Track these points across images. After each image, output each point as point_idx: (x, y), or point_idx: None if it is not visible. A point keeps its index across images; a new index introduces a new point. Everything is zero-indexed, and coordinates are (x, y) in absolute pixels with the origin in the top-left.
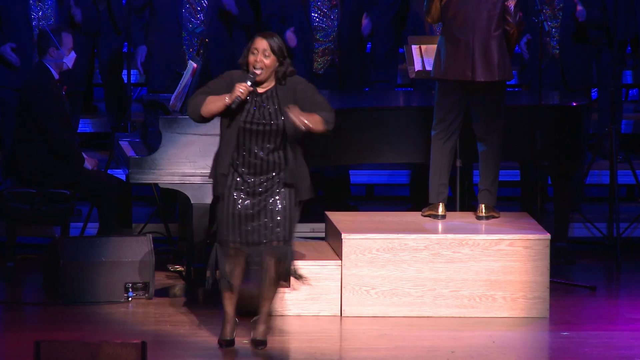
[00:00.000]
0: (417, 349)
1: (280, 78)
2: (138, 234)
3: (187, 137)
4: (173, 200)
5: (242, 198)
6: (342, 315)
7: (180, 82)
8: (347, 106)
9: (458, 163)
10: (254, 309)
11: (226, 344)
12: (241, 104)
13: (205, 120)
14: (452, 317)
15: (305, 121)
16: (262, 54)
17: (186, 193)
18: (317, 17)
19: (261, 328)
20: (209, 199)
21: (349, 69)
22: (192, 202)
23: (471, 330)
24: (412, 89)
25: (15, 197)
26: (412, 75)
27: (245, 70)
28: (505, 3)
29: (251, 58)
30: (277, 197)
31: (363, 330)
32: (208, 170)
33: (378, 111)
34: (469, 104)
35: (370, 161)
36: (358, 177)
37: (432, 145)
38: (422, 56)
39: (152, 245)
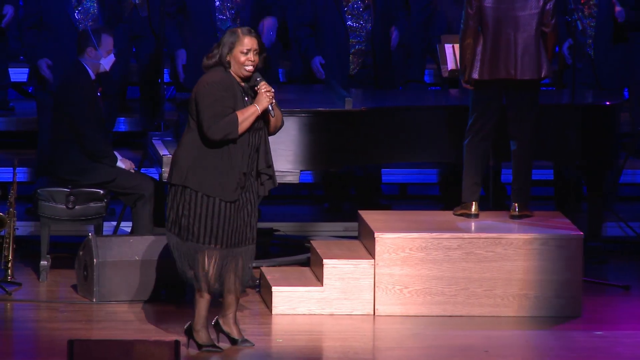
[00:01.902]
0: (450, 348)
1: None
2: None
3: None
4: None
5: (243, 197)
6: (375, 314)
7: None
8: (379, 105)
9: (490, 162)
10: None
11: (212, 346)
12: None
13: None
14: (486, 316)
15: (271, 107)
16: (253, 53)
17: None
18: (350, 18)
19: (236, 328)
20: None
21: (382, 69)
22: None
23: (504, 330)
24: (439, 88)
25: (49, 196)
26: (445, 74)
27: (227, 68)
28: (546, 4)
29: (243, 58)
30: (253, 195)
31: (396, 329)
32: None
33: (410, 110)
34: (504, 103)
35: (402, 160)
36: (391, 176)
37: (467, 144)
38: (455, 55)
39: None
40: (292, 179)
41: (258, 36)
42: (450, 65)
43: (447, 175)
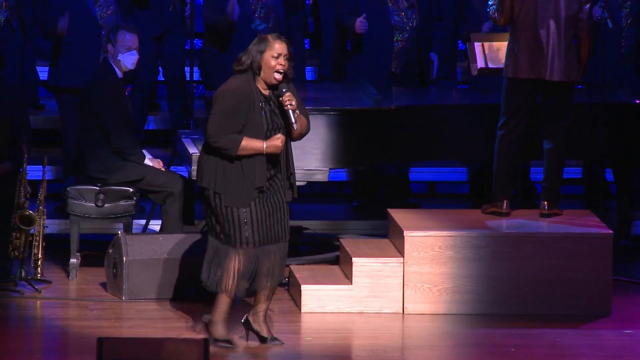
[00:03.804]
0: (479, 347)
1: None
2: (201, 231)
3: None
4: None
5: (272, 199)
6: (404, 312)
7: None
8: (408, 103)
9: (520, 160)
10: None
11: (227, 342)
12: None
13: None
14: (515, 314)
15: (297, 112)
16: (283, 57)
17: None
18: (394, 16)
19: (266, 327)
20: None
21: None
22: None
23: (533, 328)
24: (466, 86)
25: (78, 194)
26: (475, 73)
27: (257, 74)
28: (581, 7)
29: (273, 62)
30: (281, 196)
31: (425, 327)
32: None
33: (440, 108)
34: (538, 102)
35: (432, 159)
36: (420, 174)
37: (498, 142)
38: (485, 54)
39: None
40: (322, 177)
41: (288, 42)
42: (480, 63)
43: (477, 173)
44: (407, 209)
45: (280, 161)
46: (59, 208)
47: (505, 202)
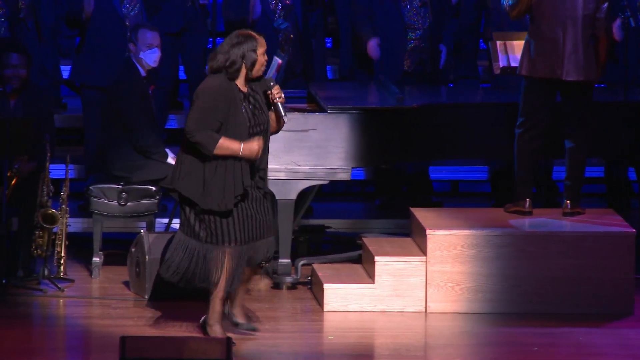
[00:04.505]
0: (502, 346)
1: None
2: None
3: None
4: None
5: (251, 196)
6: (427, 311)
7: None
8: (429, 102)
9: (542, 159)
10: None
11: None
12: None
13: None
14: (537, 313)
15: (284, 111)
16: (265, 53)
17: (270, 189)
18: (407, 15)
19: (244, 317)
20: (293, 195)
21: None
22: (276, 197)
23: (556, 327)
24: (489, 85)
25: (101, 192)
26: (497, 72)
27: (248, 70)
28: (599, 6)
29: (262, 58)
30: (261, 193)
31: (448, 326)
32: (292, 166)
33: (462, 107)
34: (558, 101)
35: (454, 158)
36: (442, 173)
37: (518, 141)
38: (507, 52)
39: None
40: (344, 176)
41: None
42: (502, 62)
43: (498, 172)
44: (430, 208)
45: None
46: (81, 207)
47: (527, 201)
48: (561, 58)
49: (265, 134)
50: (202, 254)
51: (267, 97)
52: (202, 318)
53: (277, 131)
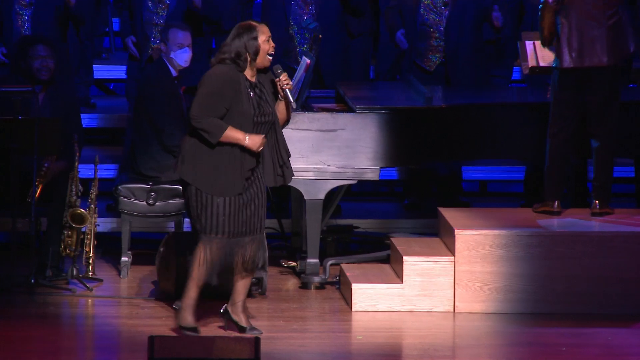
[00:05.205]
0: (530, 346)
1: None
2: None
3: (300, 133)
4: (286, 196)
5: (250, 191)
6: (455, 311)
7: (294, 77)
8: (460, 102)
9: (572, 159)
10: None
11: (191, 330)
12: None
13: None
14: (566, 313)
15: (292, 97)
16: (270, 39)
17: (299, 188)
18: (429, 14)
19: (244, 317)
20: (322, 195)
21: (459, 65)
22: (305, 197)
23: (585, 327)
24: (525, 85)
25: (130, 192)
26: (526, 72)
27: (252, 59)
28: None
29: (266, 45)
30: (260, 187)
31: (476, 326)
32: (321, 166)
33: (491, 107)
34: (585, 100)
35: (482, 158)
36: (471, 173)
37: (549, 141)
38: (537, 52)
39: (266, 241)
40: (372, 176)
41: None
42: (532, 62)
43: (532, 172)
44: (458, 208)
45: (262, 152)
46: (110, 207)
47: (556, 201)
48: (585, 45)
49: (272, 125)
50: (196, 241)
51: (274, 85)
52: (177, 302)
53: (287, 121)
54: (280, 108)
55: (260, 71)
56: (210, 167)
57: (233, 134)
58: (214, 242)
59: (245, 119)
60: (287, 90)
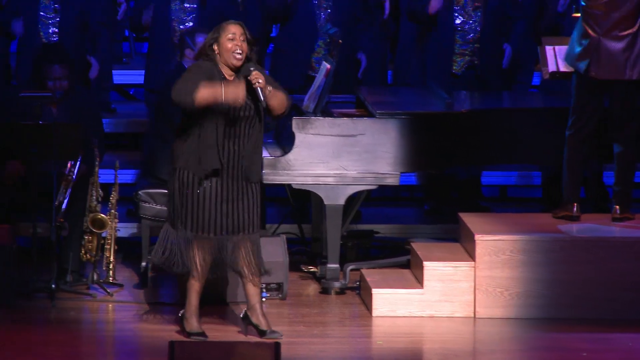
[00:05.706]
0: (551, 351)
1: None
2: (272, 235)
3: (320, 138)
4: (306, 201)
5: (219, 185)
6: (476, 316)
7: (314, 83)
8: (479, 107)
9: (592, 164)
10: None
11: (199, 335)
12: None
13: (195, 108)
14: (586, 319)
15: (269, 88)
16: (239, 39)
17: (319, 194)
18: (459, 18)
19: (264, 320)
20: (342, 200)
21: (489, 70)
22: (325, 202)
23: (605, 333)
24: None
25: (150, 197)
26: (546, 77)
27: (211, 57)
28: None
29: (230, 44)
30: (246, 185)
31: (497, 332)
32: (341, 171)
33: (511, 112)
34: (607, 104)
35: (503, 162)
36: (491, 178)
37: (567, 145)
38: (556, 57)
39: (286, 246)
40: (392, 181)
41: (243, 26)
42: (552, 67)
43: (551, 177)
44: (478, 213)
45: (240, 143)
46: (130, 211)
47: (575, 205)
48: (598, 56)
49: (250, 121)
50: (183, 241)
51: (249, 83)
52: (181, 312)
53: (280, 113)
54: (274, 106)
55: (239, 70)
56: (191, 146)
57: (210, 88)
58: (205, 242)
59: (220, 115)
60: (258, 89)
